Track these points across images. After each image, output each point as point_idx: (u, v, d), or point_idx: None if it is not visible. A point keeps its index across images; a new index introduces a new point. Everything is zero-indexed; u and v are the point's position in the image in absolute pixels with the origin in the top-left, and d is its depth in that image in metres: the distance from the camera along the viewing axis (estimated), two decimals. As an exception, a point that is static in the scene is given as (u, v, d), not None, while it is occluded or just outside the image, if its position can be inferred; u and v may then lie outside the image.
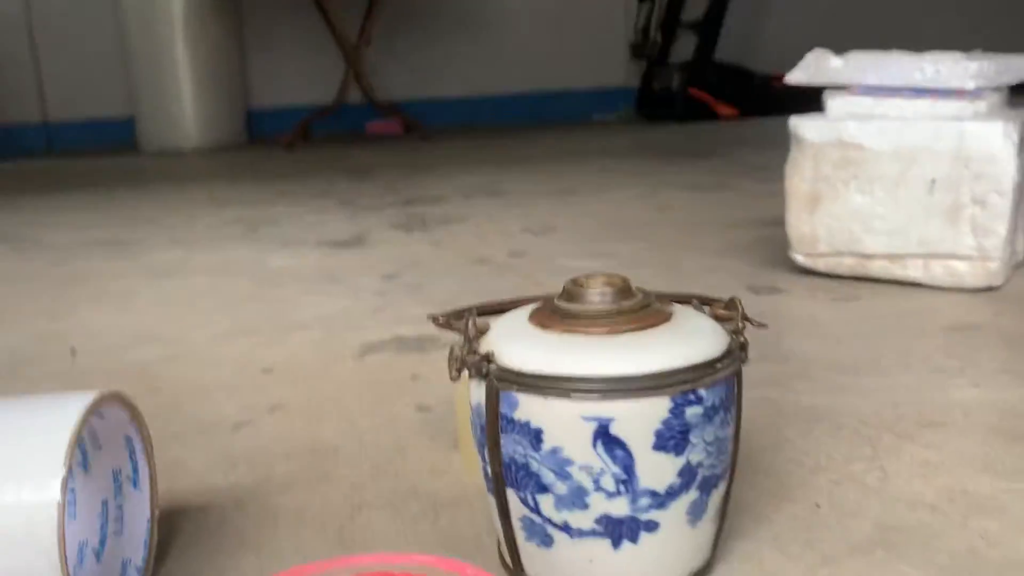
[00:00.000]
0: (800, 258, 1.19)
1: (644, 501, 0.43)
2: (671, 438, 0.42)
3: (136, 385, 0.86)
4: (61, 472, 0.41)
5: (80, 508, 0.51)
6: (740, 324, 0.48)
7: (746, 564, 0.50)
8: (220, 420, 0.76)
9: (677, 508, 0.44)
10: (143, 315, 1.15)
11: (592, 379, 0.42)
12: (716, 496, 0.46)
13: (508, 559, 0.48)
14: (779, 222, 1.23)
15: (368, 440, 0.70)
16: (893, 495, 0.57)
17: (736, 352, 0.46)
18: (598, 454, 0.42)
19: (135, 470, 0.52)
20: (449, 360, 0.46)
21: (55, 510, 0.40)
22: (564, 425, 0.42)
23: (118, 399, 0.49)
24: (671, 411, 0.42)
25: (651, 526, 0.44)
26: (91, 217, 1.86)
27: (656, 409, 0.42)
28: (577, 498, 0.43)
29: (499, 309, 0.54)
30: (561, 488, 0.43)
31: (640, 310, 0.46)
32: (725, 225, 1.48)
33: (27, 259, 1.51)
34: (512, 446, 0.44)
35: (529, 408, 0.43)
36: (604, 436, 0.42)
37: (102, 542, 0.51)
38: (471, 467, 0.62)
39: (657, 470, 0.43)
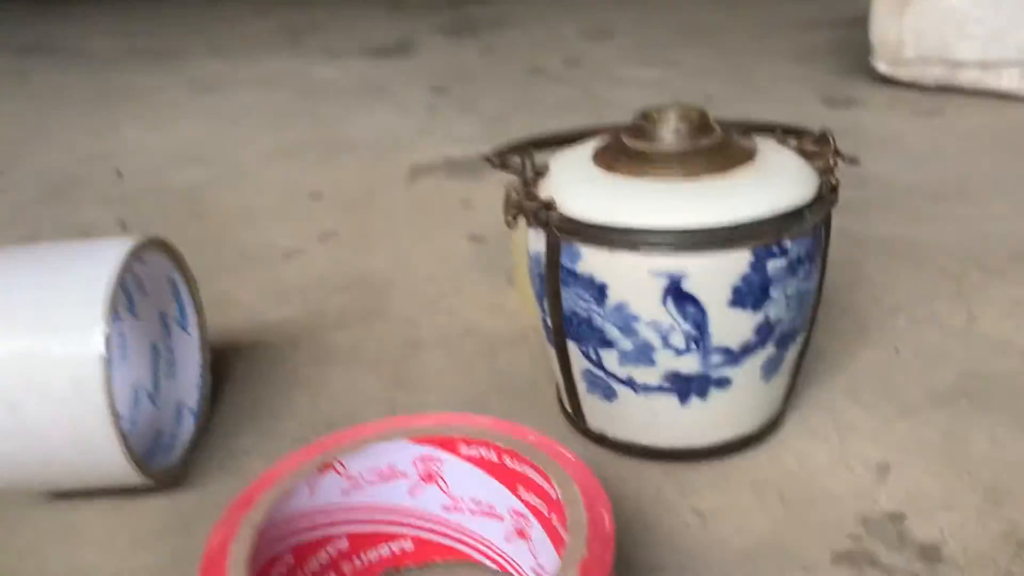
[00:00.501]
0: (882, 66, 1.09)
1: (716, 359, 0.40)
2: (749, 294, 0.39)
3: (182, 210, 0.85)
4: (103, 325, 0.39)
5: (130, 351, 0.50)
6: (831, 161, 0.43)
7: (818, 414, 0.47)
8: (269, 250, 0.74)
9: (751, 364, 0.41)
10: (187, 133, 1.12)
11: (664, 231, 0.38)
12: (793, 350, 0.43)
13: (569, 408, 0.46)
14: (860, 23, 1.12)
15: (421, 273, 0.67)
16: (979, 338, 0.54)
17: (826, 196, 0.41)
18: (668, 311, 0.39)
19: (182, 313, 0.50)
20: (505, 205, 0.42)
21: (99, 363, 0.39)
22: (631, 280, 0.39)
23: (159, 244, 0.46)
24: (751, 265, 0.38)
25: (722, 383, 0.41)
26: (136, 25, 1.79)
27: (735, 264, 0.38)
28: (643, 355, 0.40)
29: (558, 141, 0.49)
30: (626, 344, 0.40)
31: (719, 149, 0.41)
32: (800, 26, 1.37)
33: (71, 72, 1.46)
34: (574, 300, 0.41)
35: (593, 261, 0.39)
36: (675, 292, 0.38)
37: (155, 385, 0.50)
38: (527, 305, 0.59)
39: (732, 327, 0.39)
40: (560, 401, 0.48)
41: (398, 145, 0.99)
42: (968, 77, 1.03)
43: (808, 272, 0.41)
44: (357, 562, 0.37)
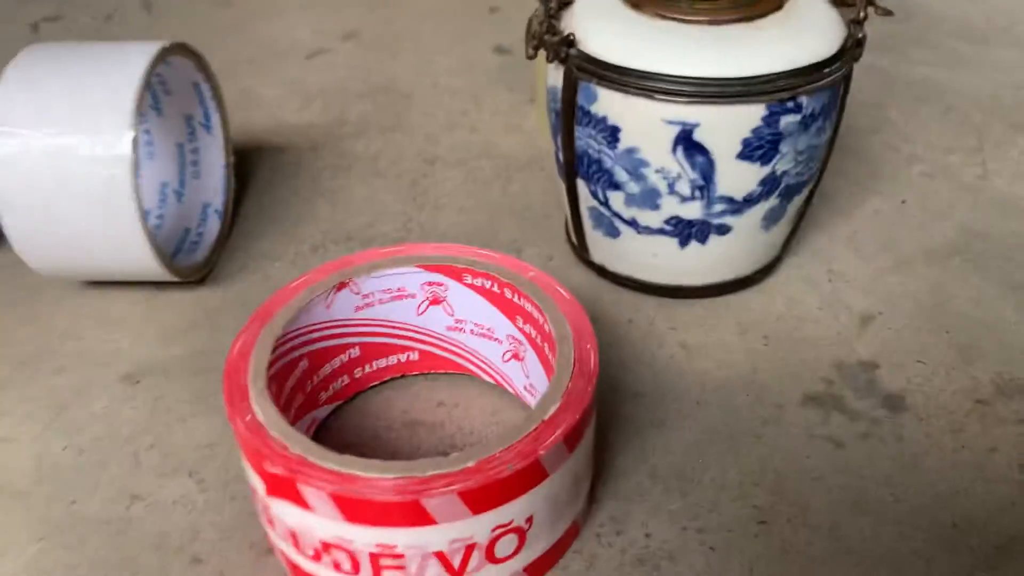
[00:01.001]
0: None
1: (719, 207, 0.41)
2: (759, 147, 0.39)
3: (208, -5, 0.83)
4: (131, 129, 0.41)
5: (157, 149, 0.52)
6: (862, 13, 0.42)
7: (814, 261, 0.49)
8: (293, 45, 0.73)
9: (753, 214, 0.42)
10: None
11: (680, 79, 0.38)
12: (798, 200, 0.44)
13: (574, 240, 0.48)
14: None
15: (443, 84, 0.67)
16: (988, 196, 0.54)
17: (850, 50, 0.41)
18: (676, 159, 0.40)
19: (206, 116, 0.51)
20: (526, 35, 0.42)
21: (128, 165, 0.40)
22: (644, 126, 0.39)
23: (184, 49, 0.47)
24: (764, 119, 0.39)
25: (722, 229, 0.43)
26: None
27: (747, 117, 0.38)
28: (648, 199, 0.42)
29: None
30: (633, 188, 0.41)
31: None
32: None
33: None
34: (586, 139, 0.41)
35: (608, 103, 0.40)
36: (686, 141, 0.39)
37: (181, 183, 0.52)
38: (546, 130, 0.60)
39: (738, 178, 0.40)
40: (567, 231, 0.50)
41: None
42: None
43: (821, 127, 0.41)
44: (367, 368, 0.41)
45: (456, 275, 0.38)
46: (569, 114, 0.41)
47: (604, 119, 0.40)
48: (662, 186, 0.41)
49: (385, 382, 0.42)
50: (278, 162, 0.58)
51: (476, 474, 0.28)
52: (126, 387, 0.42)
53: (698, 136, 0.39)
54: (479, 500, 0.28)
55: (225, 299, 0.47)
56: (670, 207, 0.42)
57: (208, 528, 0.35)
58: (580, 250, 0.48)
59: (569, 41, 0.40)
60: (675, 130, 0.39)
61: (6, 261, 0.50)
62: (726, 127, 0.39)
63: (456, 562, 0.30)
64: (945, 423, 0.39)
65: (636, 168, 0.41)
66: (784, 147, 0.40)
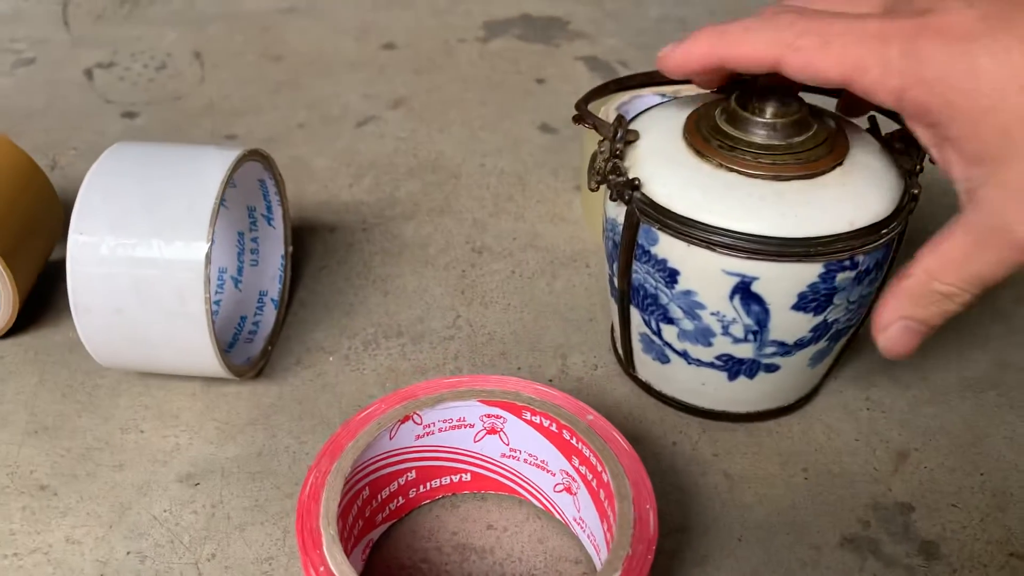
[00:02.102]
0: None
1: (770, 349, 0.43)
2: (813, 300, 0.41)
3: (257, 46, 0.85)
4: (206, 242, 0.42)
5: (218, 236, 0.53)
6: (919, 166, 0.43)
7: (853, 386, 0.50)
8: (344, 111, 0.75)
9: (802, 355, 0.44)
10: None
11: (741, 235, 0.39)
12: (844, 340, 0.46)
13: (621, 354, 0.50)
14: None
15: (489, 164, 0.68)
16: (1022, 324, 0.56)
17: (907, 206, 0.42)
18: (733, 306, 0.41)
19: (269, 209, 0.52)
20: (589, 169, 0.43)
21: (201, 275, 0.42)
22: (703, 273, 0.40)
23: (255, 153, 0.48)
24: (820, 276, 0.40)
25: (771, 368, 0.44)
26: None
27: (804, 274, 0.40)
28: (702, 336, 0.43)
29: (646, 82, 0.49)
30: (688, 325, 0.43)
31: (813, 148, 0.41)
32: None
33: None
34: (643, 275, 0.43)
35: (669, 248, 0.41)
36: (743, 292, 0.40)
37: (239, 271, 0.53)
38: (591, 221, 0.61)
39: (791, 326, 0.42)
40: (613, 342, 0.51)
41: (474, -9, 0.96)
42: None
43: (874, 279, 0.42)
44: (421, 488, 0.42)
45: (516, 411, 0.39)
46: (628, 251, 0.43)
47: (664, 261, 0.41)
48: (716, 327, 0.42)
49: (436, 500, 0.43)
50: (331, 244, 0.60)
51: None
52: (185, 488, 0.43)
53: (755, 288, 0.40)
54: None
55: (281, 395, 0.49)
56: (722, 346, 0.43)
57: (267, 650, 0.37)
58: (627, 365, 0.49)
59: (634, 185, 0.41)
60: (734, 281, 0.40)
61: (64, 340, 0.51)
62: (783, 282, 0.40)
63: None
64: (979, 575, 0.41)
65: (692, 308, 0.42)
66: (838, 299, 0.41)
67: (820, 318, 0.42)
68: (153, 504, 0.43)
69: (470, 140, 0.71)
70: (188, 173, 0.44)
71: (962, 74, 0.32)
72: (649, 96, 0.62)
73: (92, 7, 0.91)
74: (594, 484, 0.38)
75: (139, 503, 0.43)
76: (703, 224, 0.40)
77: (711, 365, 0.44)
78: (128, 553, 0.40)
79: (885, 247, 0.41)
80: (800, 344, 0.43)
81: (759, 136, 0.41)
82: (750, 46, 0.36)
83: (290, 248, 0.54)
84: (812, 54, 0.34)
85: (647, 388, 0.49)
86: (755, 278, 0.40)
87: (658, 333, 0.45)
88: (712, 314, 0.42)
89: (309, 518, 0.34)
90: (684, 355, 0.45)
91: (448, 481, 0.42)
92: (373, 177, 0.67)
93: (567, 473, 0.40)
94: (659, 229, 0.41)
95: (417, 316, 0.54)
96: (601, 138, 0.43)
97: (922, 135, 0.35)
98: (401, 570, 0.40)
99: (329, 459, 0.37)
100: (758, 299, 0.41)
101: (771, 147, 0.41)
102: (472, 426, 0.40)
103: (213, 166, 0.44)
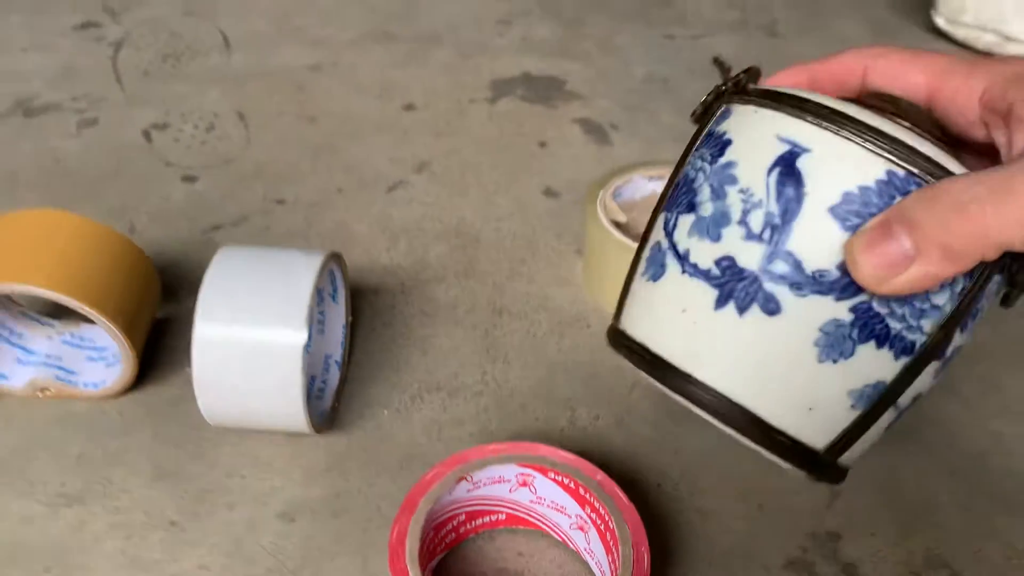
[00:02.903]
0: (940, 21, 1.15)
1: (780, 266, 0.35)
2: (857, 214, 0.34)
3: (294, 105, 0.96)
4: (305, 329, 0.54)
5: (292, 311, 0.65)
6: None
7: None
8: (375, 176, 0.86)
9: (811, 309, 0.35)
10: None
11: (811, 101, 0.36)
12: (871, 358, 0.35)
13: (617, 312, 0.45)
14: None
15: (504, 229, 0.81)
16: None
17: None
18: (767, 182, 0.36)
19: (335, 290, 0.65)
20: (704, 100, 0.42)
21: (300, 358, 0.54)
22: (755, 139, 0.37)
23: (334, 256, 0.60)
24: (878, 182, 0.34)
25: (770, 303, 0.36)
26: None
27: (862, 169, 0.35)
28: (715, 225, 0.37)
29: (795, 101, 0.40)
30: (707, 209, 0.38)
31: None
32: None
33: None
34: (694, 159, 0.40)
35: (735, 121, 0.39)
36: (786, 165, 0.36)
37: (310, 339, 0.65)
38: (590, 283, 0.74)
39: (819, 239, 0.35)
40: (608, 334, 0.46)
41: (478, 42, 1.07)
42: (1015, 49, 1.10)
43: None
44: (468, 526, 0.55)
45: (543, 471, 0.52)
46: (692, 143, 0.41)
47: (723, 134, 0.39)
48: (736, 211, 0.37)
49: (479, 534, 0.56)
50: (376, 306, 0.72)
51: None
52: (284, 524, 0.56)
53: (801, 164, 0.36)
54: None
55: (349, 446, 0.61)
56: (731, 241, 0.37)
57: (361, 651, 0.50)
58: (616, 318, 0.45)
59: (754, 77, 0.40)
60: (782, 149, 0.36)
61: (169, 397, 0.64)
62: (834, 165, 0.35)
63: None
64: (886, 591, 0.55)
65: (722, 184, 0.38)
66: None
67: None
68: (260, 537, 0.55)
69: (486, 205, 0.84)
70: (287, 274, 0.56)
71: None
72: (639, 179, 0.74)
73: (138, 62, 1.02)
74: (602, 528, 0.51)
75: (249, 536, 0.55)
76: (780, 92, 0.38)
77: (706, 275, 0.37)
78: (246, 577, 0.53)
79: None
80: (818, 281, 0.35)
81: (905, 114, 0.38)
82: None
83: (350, 318, 0.66)
84: None
85: (621, 338, 0.43)
86: (807, 150, 0.35)
87: (671, 232, 0.40)
88: (740, 191, 0.37)
89: (398, 559, 0.47)
90: (683, 259, 0.38)
91: (488, 520, 0.55)
92: (407, 241, 0.79)
93: (581, 517, 0.53)
94: (738, 102, 0.39)
95: (452, 372, 0.67)
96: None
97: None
98: (455, 589, 0.53)
99: (407, 512, 0.49)
100: (798, 178, 0.35)
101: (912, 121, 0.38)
102: (509, 481, 0.53)
103: (304, 269, 0.56)
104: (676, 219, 0.39)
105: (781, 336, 0.36)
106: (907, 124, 0.37)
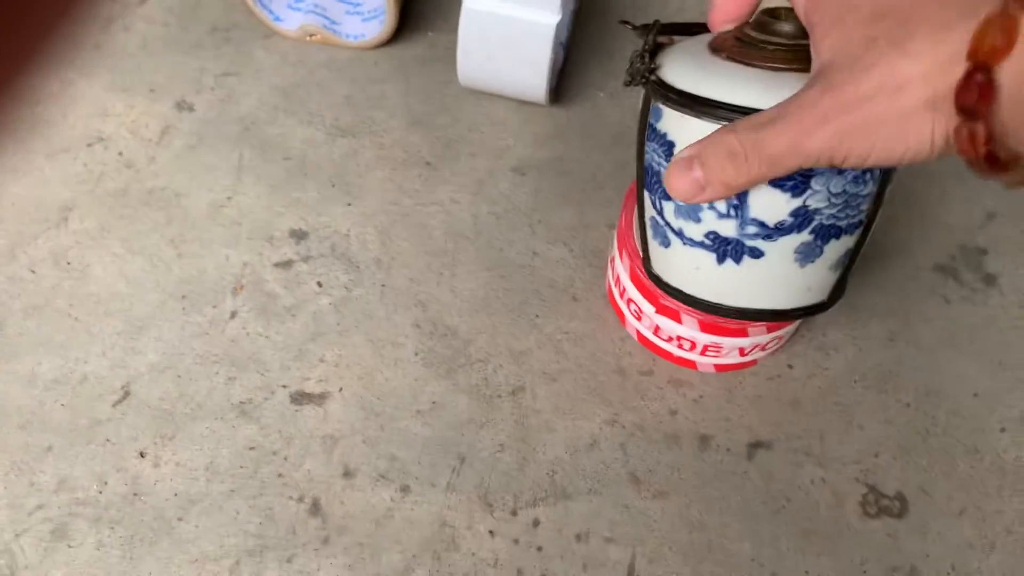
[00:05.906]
0: None
1: (751, 229, 0.44)
2: (790, 179, 0.42)
3: None
4: (559, 12, 0.62)
5: None
6: None
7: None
8: None
9: (784, 244, 0.45)
10: None
11: (727, 105, 0.42)
12: (836, 245, 0.46)
13: (641, 252, 0.53)
14: None
15: None
16: None
17: None
18: None
19: (570, -25, 0.71)
20: (628, 68, 0.49)
21: (552, 33, 0.62)
22: (690, 140, 0.42)
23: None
24: None
25: (755, 252, 0.45)
26: None
27: None
28: (692, 211, 0.45)
29: (685, 30, 0.50)
30: None
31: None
32: None
33: None
34: (651, 153, 0.46)
35: (668, 121, 0.45)
36: None
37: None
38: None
39: (769, 205, 0.43)
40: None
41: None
42: None
43: (859, 177, 0.43)
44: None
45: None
46: (642, 133, 0.48)
47: (665, 135, 0.45)
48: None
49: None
50: (594, -5, 0.78)
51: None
52: (516, 176, 0.68)
53: None
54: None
55: (568, 119, 0.71)
56: (709, 221, 0.45)
57: (578, 281, 0.63)
58: (644, 262, 0.53)
59: (651, 70, 0.46)
60: None
61: (418, 55, 0.73)
62: None
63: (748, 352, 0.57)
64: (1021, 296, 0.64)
65: None
66: (816, 184, 0.43)
67: (799, 201, 0.43)
68: (498, 183, 0.67)
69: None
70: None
71: None
72: None
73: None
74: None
75: (489, 181, 0.67)
76: (695, 96, 0.43)
77: (702, 245, 0.46)
78: (488, 212, 0.66)
79: None
80: (780, 228, 0.44)
81: (775, 39, 0.43)
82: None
83: (579, 4, 0.73)
84: None
85: (659, 282, 0.52)
86: None
87: (661, 212, 0.48)
88: None
89: (626, 238, 0.57)
90: (680, 234, 0.47)
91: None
92: (623, -68, 0.82)
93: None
94: (663, 104, 0.44)
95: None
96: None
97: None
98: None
99: (630, 200, 0.60)
100: None
101: (784, 46, 0.43)
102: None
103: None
104: (661, 203, 0.47)
105: (771, 267, 0.46)
106: (769, 63, 0.42)
